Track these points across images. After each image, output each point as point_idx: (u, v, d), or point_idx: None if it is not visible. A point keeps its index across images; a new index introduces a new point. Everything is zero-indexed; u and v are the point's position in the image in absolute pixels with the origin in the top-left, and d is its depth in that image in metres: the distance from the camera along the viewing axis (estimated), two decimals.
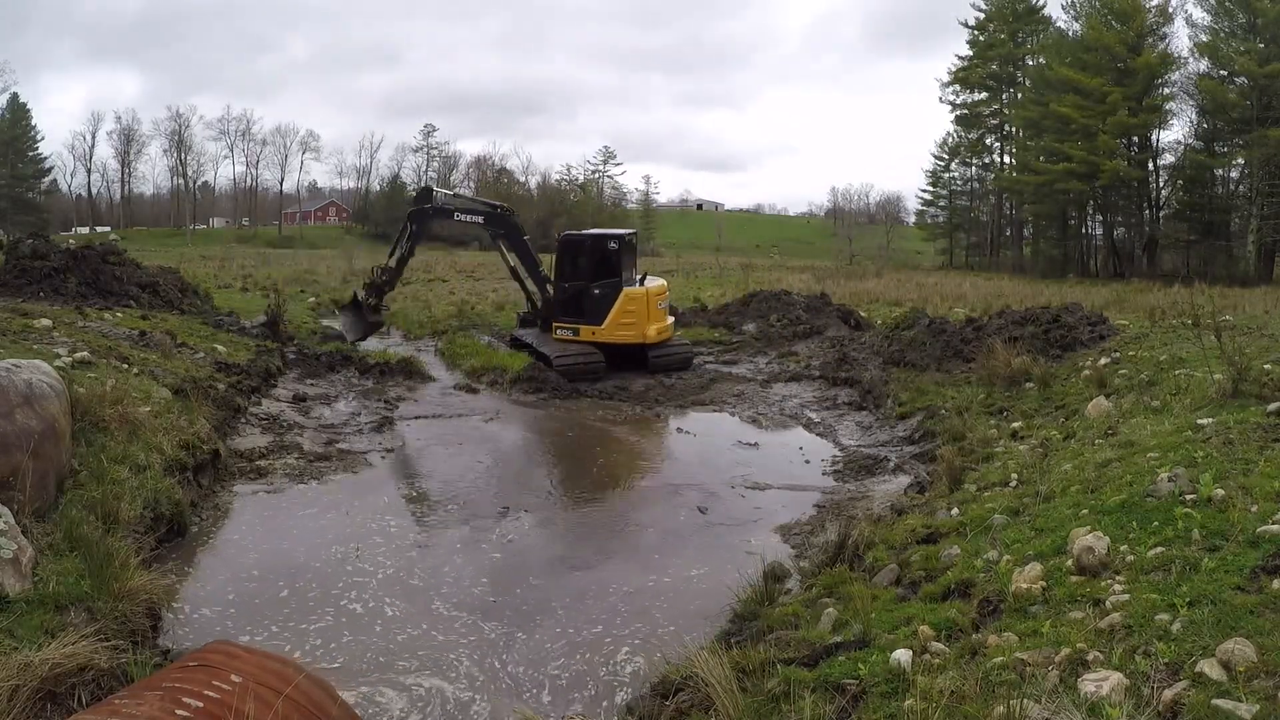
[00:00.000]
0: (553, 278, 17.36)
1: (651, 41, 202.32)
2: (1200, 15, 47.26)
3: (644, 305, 16.47)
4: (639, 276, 17.20)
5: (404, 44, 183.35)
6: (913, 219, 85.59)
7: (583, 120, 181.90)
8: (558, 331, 16.75)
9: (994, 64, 62.32)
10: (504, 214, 18.23)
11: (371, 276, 18.01)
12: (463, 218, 18.26)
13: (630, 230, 19.99)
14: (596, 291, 16.37)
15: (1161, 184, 51.54)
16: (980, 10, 63.00)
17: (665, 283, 18.34)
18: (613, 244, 16.80)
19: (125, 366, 10.53)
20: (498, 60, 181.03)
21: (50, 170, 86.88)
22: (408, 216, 17.53)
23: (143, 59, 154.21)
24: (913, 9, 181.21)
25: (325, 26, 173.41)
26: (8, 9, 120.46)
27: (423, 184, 20.30)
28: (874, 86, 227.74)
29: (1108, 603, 4.02)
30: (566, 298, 16.75)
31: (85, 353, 10.19)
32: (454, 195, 19.76)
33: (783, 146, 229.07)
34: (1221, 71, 45.80)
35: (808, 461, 10.85)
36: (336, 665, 5.57)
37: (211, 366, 12.86)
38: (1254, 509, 4.51)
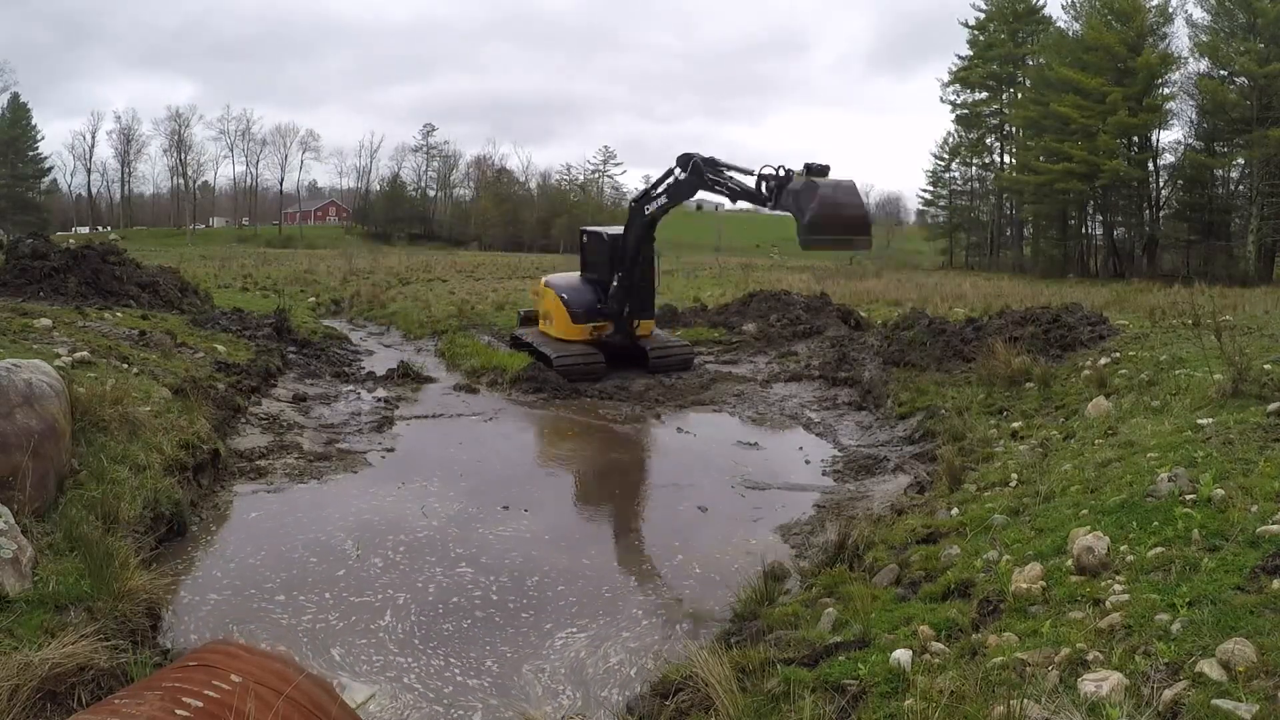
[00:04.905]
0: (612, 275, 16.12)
1: (691, 73, 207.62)
2: (1200, 15, 47.28)
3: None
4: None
5: (437, 58, 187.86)
6: (913, 219, 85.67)
7: (599, 127, 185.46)
8: (610, 335, 16.19)
9: (994, 64, 62.32)
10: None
11: None
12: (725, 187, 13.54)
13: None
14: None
15: (1161, 184, 51.55)
16: (980, 10, 63.05)
17: None
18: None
19: (125, 366, 10.53)
20: (525, 75, 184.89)
21: (50, 170, 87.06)
22: (688, 166, 13.69)
23: (185, 69, 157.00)
24: (920, 30, 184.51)
25: (358, 43, 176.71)
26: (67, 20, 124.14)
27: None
28: (882, 102, 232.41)
29: (1108, 603, 4.02)
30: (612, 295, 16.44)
31: (85, 352, 10.20)
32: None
33: (795, 152, 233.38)
34: (1221, 71, 45.79)
35: (808, 461, 10.85)
36: (335, 663, 5.57)
37: (211, 366, 12.87)
38: (1254, 509, 4.51)
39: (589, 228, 18.60)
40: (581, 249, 18.04)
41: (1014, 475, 7.35)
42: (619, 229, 16.32)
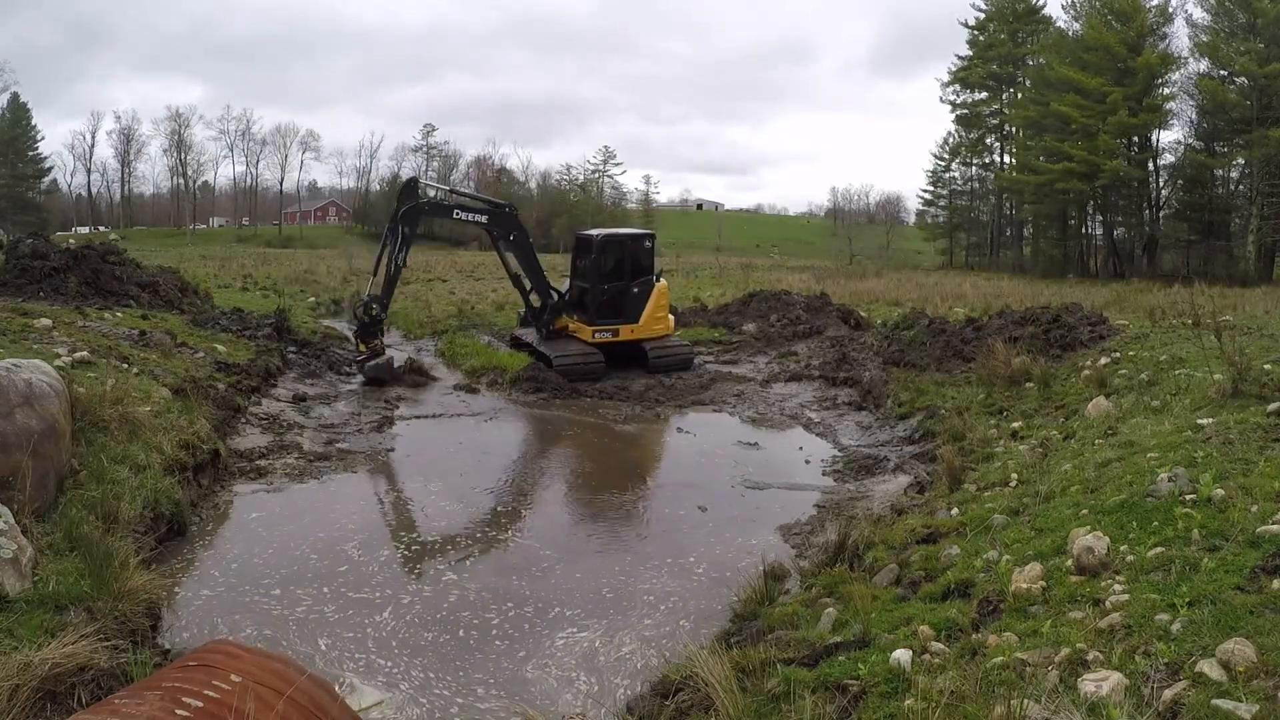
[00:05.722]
0: (587, 278, 16.80)
1: (696, 77, 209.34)
2: (1200, 15, 47.27)
3: (668, 299, 17.59)
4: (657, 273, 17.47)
5: (448, 61, 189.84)
6: (913, 219, 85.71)
7: (600, 128, 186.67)
8: (596, 335, 16.46)
9: (994, 64, 62.31)
10: (509, 213, 17.08)
11: (359, 314, 15.29)
12: (463, 216, 16.76)
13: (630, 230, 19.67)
14: (635, 290, 16.71)
15: (1161, 184, 51.54)
16: (980, 10, 63.05)
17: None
18: (647, 242, 17.42)
19: (125, 366, 10.53)
20: (533, 78, 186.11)
21: (50, 170, 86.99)
22: (398, 217, 15.21)
23: (193, 71, 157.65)
24: (922, 34, 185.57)
25: (368, 46, 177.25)
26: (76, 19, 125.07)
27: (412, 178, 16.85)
28: (883, 105, 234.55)
29: (1108, 603, 4.02)
30: (607, 299, 16.60)
31: (85, 352, 10.19)
32: (450, 191, 17.68)
33: (796, 154, 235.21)
34: (1221, 71, 45.78)
35: (808, 461, 10.85)
36: (333, 661, 5.57)
37: (211, 366, 12.86)
38: (1254, 509, 4.51)
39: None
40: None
41: (1014, 475, 7.35)
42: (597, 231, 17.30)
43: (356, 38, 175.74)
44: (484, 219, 16.73)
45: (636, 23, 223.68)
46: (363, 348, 15.29)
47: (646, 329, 16.76)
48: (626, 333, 16.61)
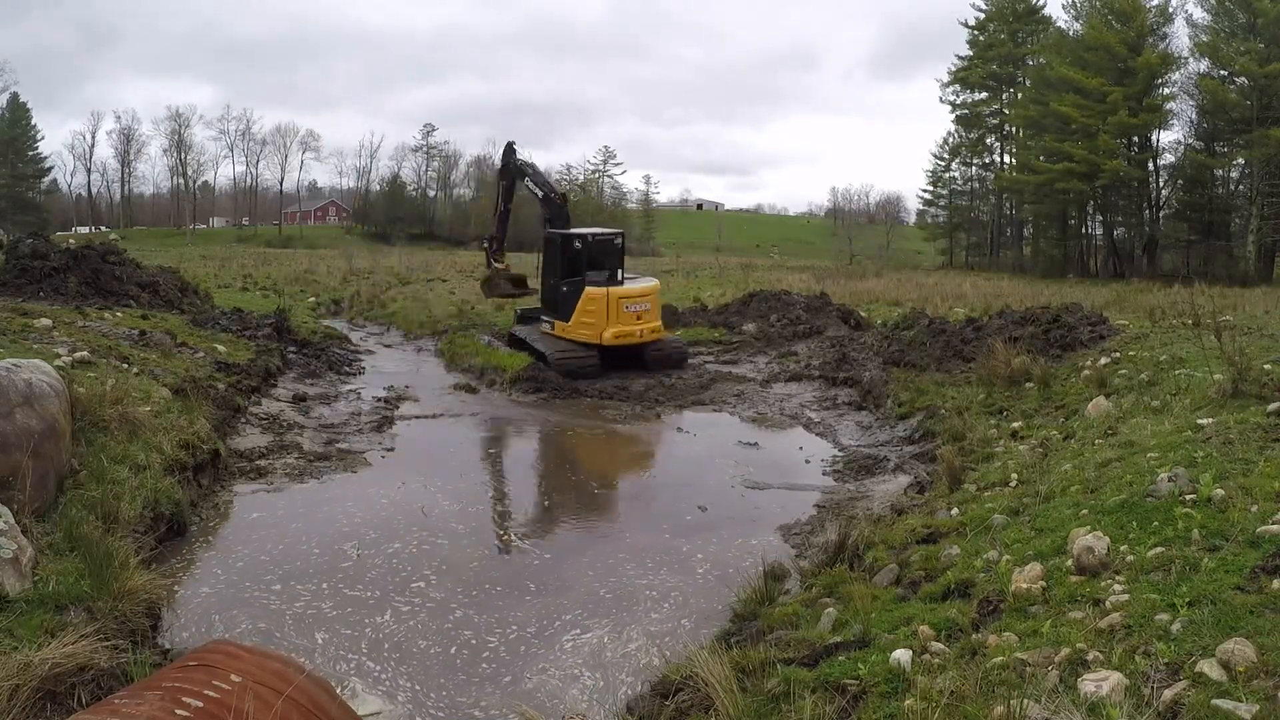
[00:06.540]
0: (541, 274, 18.03)
1: (701, 81, 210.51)
2: (1200, 15, 47.24)
3: (603, 306, 15.96)
4: (624, 276, 17.06)
5: (458, 65, 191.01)
6: (913, 219, 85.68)
7: (603, 129, 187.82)
8: (542, 325, 17.41)
9: (994, 64, 62.29)
10: (560, 203, 18.22)
11: (485, 247, 21.11)
12: (530, 185, 18.35)
13: (611, 230, 18.75)
14: (565, 289, 16.66)
15: (1161, 184, 51.51)
16: (980, 10, 63.03)
17: (656, 283, 17.63)
18: (577, 243, 16.87)
19: (125, 366, 10.53)
20: (539, 81, 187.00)
21: (50, 170, 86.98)
22: (506, 168, 18.88)
23: (202, 73, 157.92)
24: (925, 39, 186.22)
25: (378, 49, 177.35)
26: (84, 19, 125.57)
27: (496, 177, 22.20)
28: (884, 108, 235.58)
29: (1108, 603, 4.02)
30: (549, 294, 17.46)
31: (85, 352, 10.20)
32: (529, 163, 19.54)
33: (797, 155, 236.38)
34: (1221, 71, 45.78)
35: (808, 461, 10.85)
36: (330, 661, 5.57)
37: (211, 366, 12.86)
38: (1254, 509, 4.50)
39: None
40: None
41: (1014, 475, 7.35)
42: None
43: (360, 39, 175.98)
44: (540, 194, 18.21)
45: (639, 26, 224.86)
46: (498, 265, 20.11)
47: (574, 331, 16.26)
48: (560, 329, 16.73)
